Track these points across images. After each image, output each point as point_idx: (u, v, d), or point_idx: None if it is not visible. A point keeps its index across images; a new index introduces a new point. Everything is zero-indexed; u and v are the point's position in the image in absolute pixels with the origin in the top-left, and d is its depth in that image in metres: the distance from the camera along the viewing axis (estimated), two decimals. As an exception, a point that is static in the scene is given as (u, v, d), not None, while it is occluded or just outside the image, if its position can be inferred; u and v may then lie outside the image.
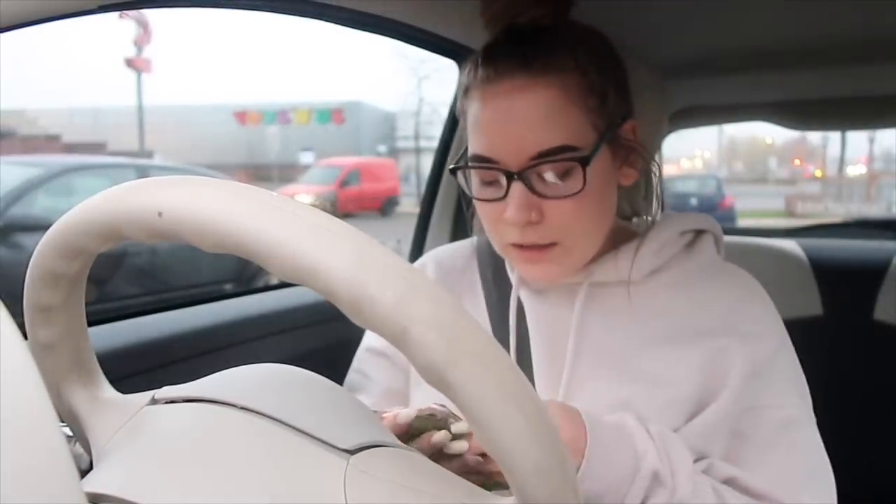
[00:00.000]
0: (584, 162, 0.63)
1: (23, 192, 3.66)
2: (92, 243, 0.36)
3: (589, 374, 0.69)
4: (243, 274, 4.24)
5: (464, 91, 0.68)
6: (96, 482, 0.37)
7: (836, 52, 1.15)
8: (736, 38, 1.13)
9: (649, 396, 0.66)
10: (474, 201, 0.70)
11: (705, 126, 1.88)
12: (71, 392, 0.44)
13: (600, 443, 0.59)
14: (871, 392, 1.41)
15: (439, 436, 0.54)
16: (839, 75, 1.30)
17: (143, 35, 15.35)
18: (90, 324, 0.44)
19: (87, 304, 0.43)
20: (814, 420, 0.69)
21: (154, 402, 0.43)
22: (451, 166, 0.71)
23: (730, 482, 0.64)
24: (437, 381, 0.30)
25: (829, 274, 1.46)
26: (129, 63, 15.19)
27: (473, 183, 0.69)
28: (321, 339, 1.16)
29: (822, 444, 0.68)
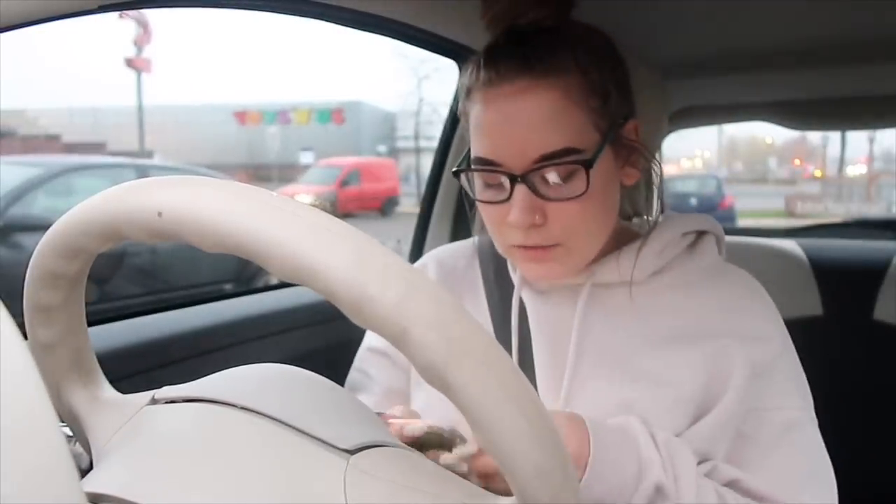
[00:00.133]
0: (588, 165, 0.63)
1: (23, 192, 3.66)
2: (92, 243, 0.36)
3: (591, 375, 0.69)
4: (243, 274, 4.24)
5: (465, 92, 0.68)
6: (96, 482, 0.37)
7: (836, 52, 1.15)
8: (736, 38, 1.13)
9: (651, 397, 0.66)
10: (477, 203, 0.70)
11: (705, 126, 1.88)
12: (71, 392, 0.44)
13: (604, 454, 0.58)
14: (871, 392, 1.41)
15: (448, 458, 0.53)
16: (839, 75, 1.30)
17: (143, 35, 15.35)
18: (90, 324, 0.44)
19: (87, 304, 0.43)
20: (815, 421, 0.69)
21: (154, 402, 0.43)
22: (454, 169, 0.71)
23: (732, 484, 0.64)
24: (438, 381, 0.30)
25: (829, 274, 1.46)
26: (129, 63, 15.19)
27: (476, 185, 0.69)
28: (321, 339, 1.16)
29: (823, 445, 0.68)
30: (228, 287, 4.13)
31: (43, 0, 0.56)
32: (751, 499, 0.63)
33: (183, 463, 0.37)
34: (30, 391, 0.23)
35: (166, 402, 0.42)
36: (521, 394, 0.31)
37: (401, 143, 24.47)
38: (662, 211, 0.76)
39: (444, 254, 0.86)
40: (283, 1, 0.88)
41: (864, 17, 1.00)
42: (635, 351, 0.69)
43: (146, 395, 0.43)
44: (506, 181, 0.65)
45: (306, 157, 21.35)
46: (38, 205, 3.74)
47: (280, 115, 23.60)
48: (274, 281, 1.65)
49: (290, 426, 0.38)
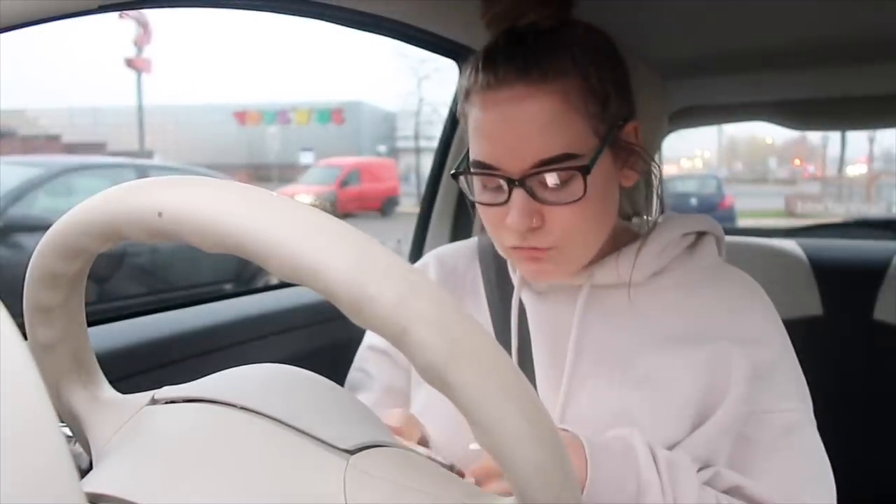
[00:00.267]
0: (585, 171, 0.63)
1: (23, 192, 3.66)
2: (92, 243, 0.36)
3: (590, 375, 0.69)
4: (243, 274, 4.24)
5: (464, 94, 0.68)
6: (96, 482, 0.37)
7: (836, 52, 1.15)
8: (736, 38, 1.13)
9: (651, 398, 0.66)
10: (476, 204, 0.70)
11: (705, 126, 1.88)
12: (71, 392, 0.44)
13: (601, 476, 0.58)
14: (871, 392, 1.41)
15: None
16: (839, 75, 1.30)
17: (143, 35, 15.35)
18: (90, 324, 0.44)
19: (87, 304, 0.43)
20: (814, 422, 0.69)
21: (154, 402, 0.43)
22: (453, 171, 0.71)
23: (734, 490, 0.64)
24: (438, 381, 0.30)
25: (829, 274, 1.46)
26: (129, 63, 15.19)
27: (475, 187, 0.69)
28: (321, 339, 1.16)
29: (822, 446, 0.68)
30: (228, 287, 4.13)
31: (43, 0, 0.56)
32: None
33: (183, 463, 0.37)
34: (30, 391, 0.23)
35: (166, 403, 0.42)
36: (521, 394, 0.31)
37: (401, 143, 24.46)
38: (662, 211, 0.76)
39: (445, 253, 0.86)
40: (283, 1, 0.88)
41: (864, 17, 1.00)
42: (634, 352, 0.69)
43: (146, 396, 0.43)
44: (504, 184, 0.65)
45: (306, 158, 21.36)
46: (38, 205, 3.74)
47: (280, 116, 23.61)
48: (274, 281, 1.65)
49: (290, 426, 0.38)
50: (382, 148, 24.30)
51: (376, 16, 0.95)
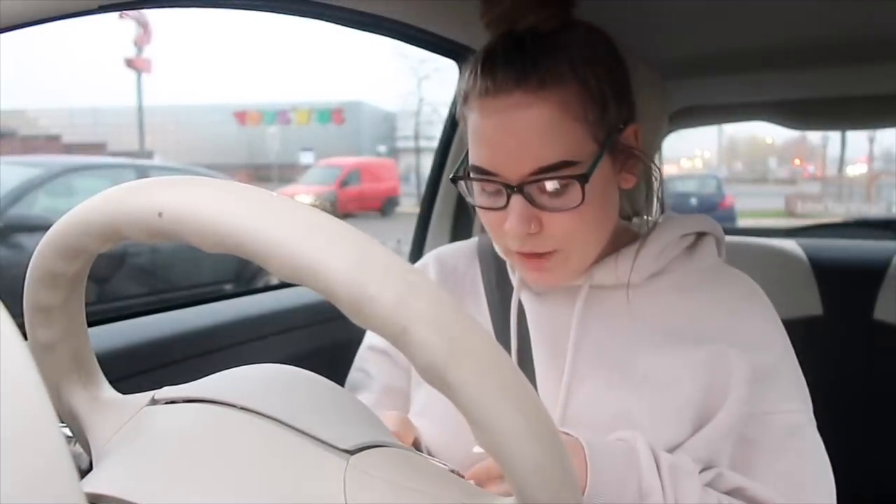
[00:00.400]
0: (583, 180, 0.62)
1: (23, 193, 3.66)
2: (92, 243, 0.36)
3: (589, 376, 0.69)
4: (243, 274, 4.24)
5: (463, 98, 0.67)
6: (96, 482, 0.37)
7: (836, 52, 1.15)
8: (736, 38, 1.13)
9: (650, 399, 0.66)
10: (476, 208, 0.70)
11: (705, 126, 1.88)
12: (71, 392, 0.44)
13: (600, 480, 0.58)
14: (871, 392, 1.41)
15: None
16: (839, 75, 1.30)
17: (143, 35, 15.35)
18: (90, 324, 0.44)
19: (87, 304, 0.43)
20: (814, 422, 0.69)
21: (154, 402, 0.43)
22: (452, 176, 0.71)
23: (736, 492, 0.64)
24: (437, 381, 0.30)
25: (829, 274, 1.46)
26: (129, 63, 15.19)
27: (475, 190, 0.69)
28: (321, 339, 1.16)
29: (822, 446, 0.69)
30: (228, 287, 4.13)
31: (43, 0, 0.56)
32: None
33: (183, 463, 0.37)
34: (30, 391, 0.23)
35: (166, 403, 0.42)
36: (521, 393, 0.31)
37: (401, 143, 24.47)
38: (662, 211, 0.76)
39: (445, 254, 0.86)
40: (283, 1, 0.88)
41: (864, 17, 1.00)
42: (633, 353, 0.69)
43: (146, 396, 0.43)
44: (503, 189, 0.65)
45: (306, 158, 21.36)
46: (38, 205, 3.74)
47: (280, 116, 23.62)
48: (274, 281, 1.65)
49: (290, 426, 0.38)
50: (382, 148, 24.31)
51: (376, 16, 0.95)
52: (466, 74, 0.67)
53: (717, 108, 1.66)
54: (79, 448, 0.45)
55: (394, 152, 24.42)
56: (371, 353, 0.84)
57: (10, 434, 0.22)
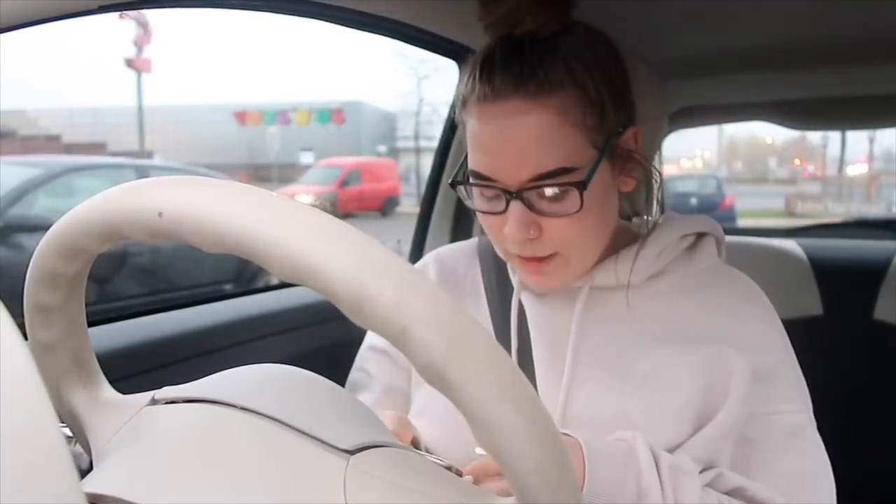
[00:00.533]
0: (582, 187, 0.62)
1: (23, 192, 3.66)
2: (92, 243, 0.36)
3: (589, 377, 0.69)
4: (243, 274, 4.24)
5: (462, 103, 0.67)
6: (96, 482, 0.37)
7: (836, 52, 1.15)
8: (736, 38, 1.13)
9: (650, 399, 0.66)
10: (476, 211, 0.70)
11: (705, 126, 1.88)
12: (71, 392, 0.44)
13: (598, 479, 0.58)
14: (871, 392, 1.41)
15: None
16: (839, 75, 1.30)
17: (143, 35, 15.36)
18: (90, 324, 0.44)
19: (87, 304, 0.43)
20: (814, 422, 0.69)
21: (154, 402, 0.43)
22: (451, 181, 0.71)
23: (737, 492, 0.64)
24: (437, 380, 0.30)
25: (829, 274, 1.46)
26: (129, 63, 15.20)
27: (474, 194, 0.69)
28: (321, 339, 1.16)
29: (822, 446, 0.69)
30: (228, 287, 4.13)
31: (43, 0, 0.56)
32: None
33: (183, 463, 0.37)
34: (30, 391, 0.23)
35: (166, 403, 0.42)
36: (521, 393, 0.31)
37: (401, 143, 24.46)
38: (662, 211, 0.76)
39: (445, 254, 0.86)
40: (283, 1, 0.88)
41: (864, 17, 1.00)
42: (633, 353, 0.69)
43: (146, 396, 0.43)
44: (502, 194, 0.65)
45: (306, 158, 21.36)
46: (38, 205, 3.74)
47: (280, 116, 23.61)
48: (274, 281, 1.65)
49: (290, 426, 0.38)
50: (382, 148, 24.30)
51: (376, 16, 0.95)
52: (465, 78, 0.66)
53: (717, 108, 1.66)
54: (79, 448, 0.45)
55: (394, 152, 24.42)
56: (371, 353, 0.84)
57: (10, 434, 0.22)
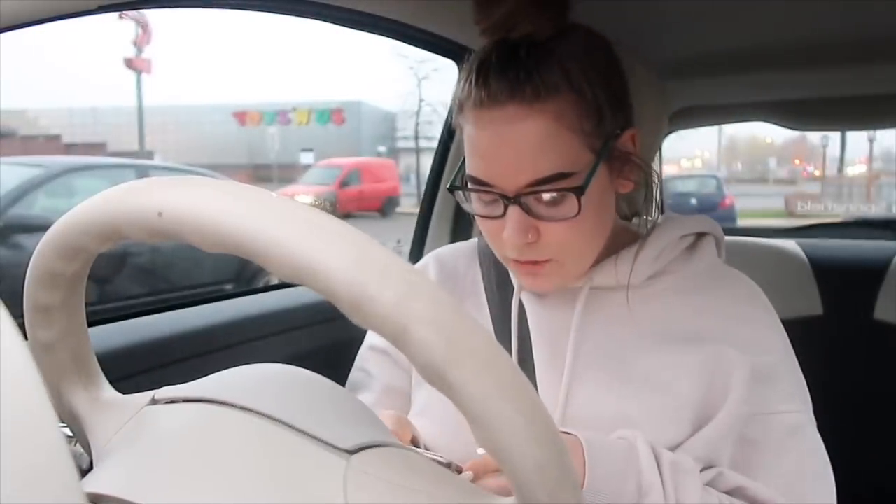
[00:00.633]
0: (579, 192, 0.62)
1: (23, 193, 3.66)
2: (92, 243, 0.36)
3: (589, 377, 0.69)
4: (243, 274, 4.24)
5: (458, 107, 0.67)
6: (96, 482, 0.37)
7: (836, 52, 1.15)
8: (736, 38, 1.13)
9: (649, 399, 0.66)
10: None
11: (705, 126, 1.88)
12: (71, 392, 0.44)
13: (599, 476, 0.58)
14: (871, 392, 1.41)
15: None
16: (839, 75, 1.30)
17: (143, 35, 15.36)
18: (90, 324, 0.44)
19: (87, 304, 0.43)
20: (814, 422, 0.69)
21: (154, 402, 0.43)
22: (449, 186, 0.71)
23: (737, 491, 0.64)
24: (437, 380, 0.30)
25: (829, 274, 1.46)
26: (129, 63, 15.21)
27: (472, 199, 0.69)
28: (321, 339, 1.16)
29: (822, 446, 0.69)
30: (229, 287, 4.13)
31: (43, 0, 0.56)
32: None
33: (183, 463, 0.37)
34: (30, 391, 0.23)
35: (166, 403, 0.42)
36: (521, 393, 0.31)
37: (401, 143, 24.43)
38: (662, 212, 0.76)
39: (445, 254, 0.86)
40: (283, 1, 0.88)
41: (864, 17, 1.00)
42: (633, 354, 0.69)
43: (146, 396, 0.43)
44: (500, 199, 0.65)
45: (306, 158, 21.34)
46: (38, 205, 3.74)
47: (280, 116, 23.61)
48: (274, 281, 1.65)
49: (289, 426, 0.38)
50: (382, 148, 24.29)
51: (376, 16, 0.95)
52: (461, 83, 0.66)
53: (717, 108, 1.66)
54: (79, 448, 0.45)
55: (394, 152, 24.41)
56: (372, 353, 0.84)
57: (10, 434, 0.22)
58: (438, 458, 0.53)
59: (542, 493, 0.31)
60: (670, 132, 1.66)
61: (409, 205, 16.46)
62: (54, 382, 0.43)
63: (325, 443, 0.37)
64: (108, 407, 0.44)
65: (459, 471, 0.55)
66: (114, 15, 0.81)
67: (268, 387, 0.43)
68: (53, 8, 0.57)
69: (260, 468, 0.36)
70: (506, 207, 0.64)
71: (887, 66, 1.21)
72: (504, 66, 0.62)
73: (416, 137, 19.83)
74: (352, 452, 0.37)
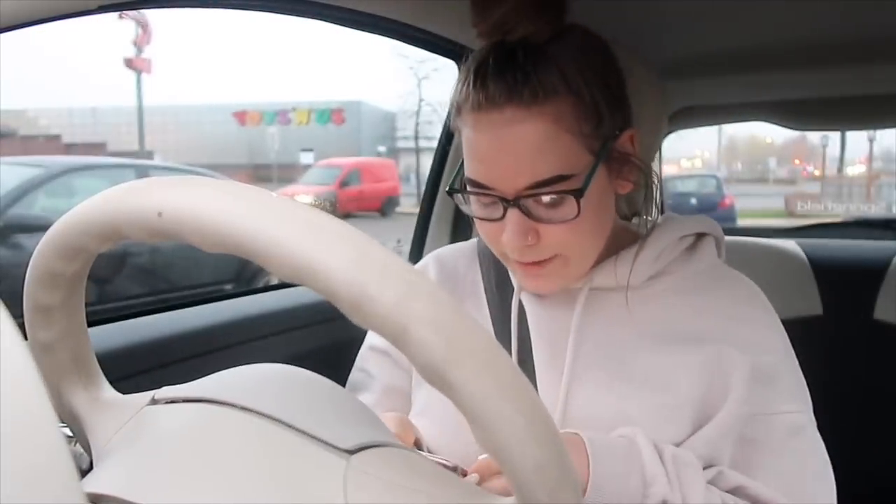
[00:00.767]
0: (578, 194, 0.62)
1: (23, 193, 3.66)
2: (92, 243, 0.36)
3: (589, 378, 0.69)
4: (243, 274, 4.24)
5: (456, 110, 0.66)
6: (96, 482, 0.37)
7: (836, 52, 1.15)
8: (736, 38, 1.13)
9: (649, 399, 0.66)
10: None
11: (705, 126, 1.88)
12: (71, 392, 0.44)
13: (603, 472, 0.58)
14: (871, 392, 1.41)
15: None
16: (839, 75, 1.30)
17: (143, 35, 15.37)
18: (90, 324, 0.44)
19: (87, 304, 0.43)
20: (814, 422, 0.70)
21: (154, 402, 0.43)
22: (448, 189, 0.70)
23: (737, 490, 0.64)
24: (437, 380, 0.30)
25: (829, 274, 1.46)
26: (129, 63, 15.21)
27: (472, 201, 0.69)
28: (321, 339, 1.16)
29: (823, 446, 0.69)
30: (228, 287, 4.14)
31: (43, 0, 0.56)
32: None
33: (183, 463, 0.37)
34: (30, 391, 0.23)
35: (166, 403, 0.42)
36: (521, 393, 0.31)
37: (401, 143, 24.42)
38: (662, 212, 0.76)
39: (445, 254, 0.86)
40: (283, 1, 0.88)
41: (864, 17, 1.00)
42: (633, 354, 0.69)
43: (146, 396, 0.43)
44: (499, 202, 0.64)
45: (306, 158, 21.33)
46: (38, 205, 3.74)
47: (280, 116, 23.61)
48: (274, 281, 1.65)
49: (289, 426, 0.38)
50: (382, 148, 24.28)
51: (376, 16, 0.95)
52: (459, 85, 0.66)
53: (717, 108, 1.66)
54: (79, 448, 0.45)
55: (394, 152, 24.40)
56: (372, 353, 0.84)
57: (10, 434, 0.22)
58: (444, 462, 0.53)
59: (541, 492, 0.31)
60: (670, 132, 1.66)
61: (409, 205, 16.45)
62: (54, 382, 0.43)
63: (325, 443, 0.37)
64: (108, 407, 0.44)
65: (464, 474, 0.55)
66: (114, 15, 0.81)
67: (268, 387, 0.43)
68: (53, 8, 0.57)
69: (260, 468, 0.36)
70: (505, 210, 0.64)
71: (887, 66, 1.21)
72: (502, 69, 0.62)
73: (416, 137, 19.82)
74: (352, 452, 0.37)
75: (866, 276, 1.45)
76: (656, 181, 0.73)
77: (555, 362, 0.71)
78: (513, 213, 0.64)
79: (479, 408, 0.30)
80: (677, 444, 0.65)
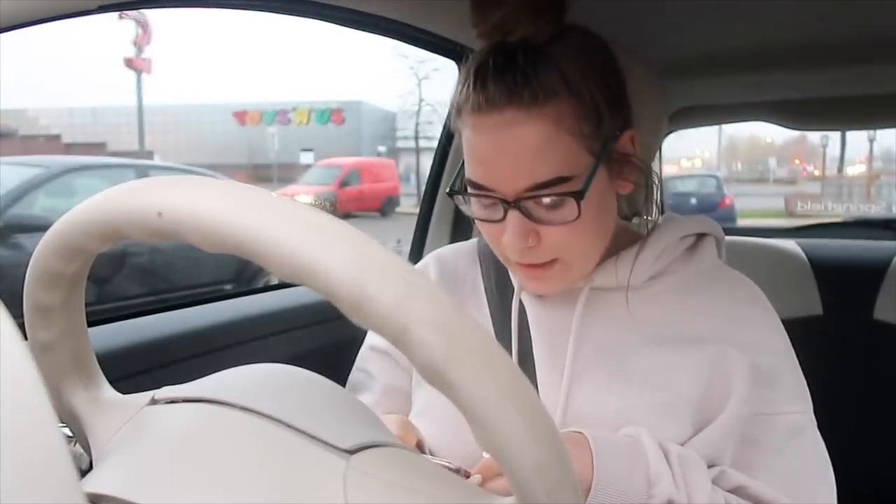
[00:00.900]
0: (579, 196, 0.62)
1: (23, 192, 3.66)
2: (92, 243, 0.36)
3: (590, 378, 0.69)
4: (243, 273, 4.24)
5: (456, 111, 0.66)
6: (96, 482, 0.37)
7: (836, 52, 1.15)
8: (736, 38, 1.13)
9: (650, 399, 0.67)
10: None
11: (705, 126, 1.88)
12: (71, 393, 0.44)
13: (607, 471, 0.58)
14: (871, 392, 1.41)
15: None
16: (839, 75, 1.30)
17: (143, 35, 15.37)
18: (90, 324, 0.44)
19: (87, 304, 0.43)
20: (815, 422, 0.70)
21: (154, 402, 0.43)
22: (448, 190, 0.70)
23: (739, 490, 0.64)
24: (437, 380, 0.30)
25: (829, 274, 1.46)
26: (129, 63, 15.21)
27: (472, 202, 0.69)
28: (321, 339, 1.16)
29: (823, 446, 0.69)
30: (228, 287, 4.14)
31: (43, 0, 0.56)
32: None
33: (183, 463, 0.37)
34: (30, 391, 0.23)
35: (166, 403, 0.42)
36: (521, 393, 0.31)
37: (401, 143, 24.42)
38: (662, 212, 0.76)
39: (445, 254, 0.86)
40: (283, 1, 0.88)
41: (864, 17, 1.00)
42: (633, 354, 0.69)
43: (146, 396, 0.43)
44: (499, 204, 0.64)
45: (306, 158, 21.33)
46: (38, 205, 3.74)
47: (280, 115, 23.63)
48: (274, 281, 1.65)
49: (289, 426, 0.38)
50: (382, 148, 24.28)
51: (376, 16, 0.95)
52: (459, 87, 0.66)
53: (717, 108, 1.66)
54: (79, 448, 0.45)
55: (394, 152, 24.39)
56: (372, 353, 0.84)
57: (9, 434, 0.22)
58: (447, 464, 0.53)
59: (541, 492, 0.31)
60: (670, 132, 1.66)
61: (409, 205, 16.45)
62: (54, 382, 0.43)
63: (325, 443, 0.37)
64: (107, 407, 0.44)
65: (467, 475, 0.55)
66: (114, 15, 0.81)
67: (267, 387, 0.43)
68: (53, 8, 0.57)
69: (260, 468, 0.36)
70: (505, 212, 0.64)
71: (887, 66, 1.21)
72: (502, 70, 0.62)
73: (416, 137, 19.83)
74: (351, 452, 0.37)
75: (866, 276, 1.45)
76: (656, 181, 0.73)
77: (555, 362, 0.71)
78: (513, 215, 0.64)
79: (478, 408, 0.30)
80: (678, 444, 0.65)
